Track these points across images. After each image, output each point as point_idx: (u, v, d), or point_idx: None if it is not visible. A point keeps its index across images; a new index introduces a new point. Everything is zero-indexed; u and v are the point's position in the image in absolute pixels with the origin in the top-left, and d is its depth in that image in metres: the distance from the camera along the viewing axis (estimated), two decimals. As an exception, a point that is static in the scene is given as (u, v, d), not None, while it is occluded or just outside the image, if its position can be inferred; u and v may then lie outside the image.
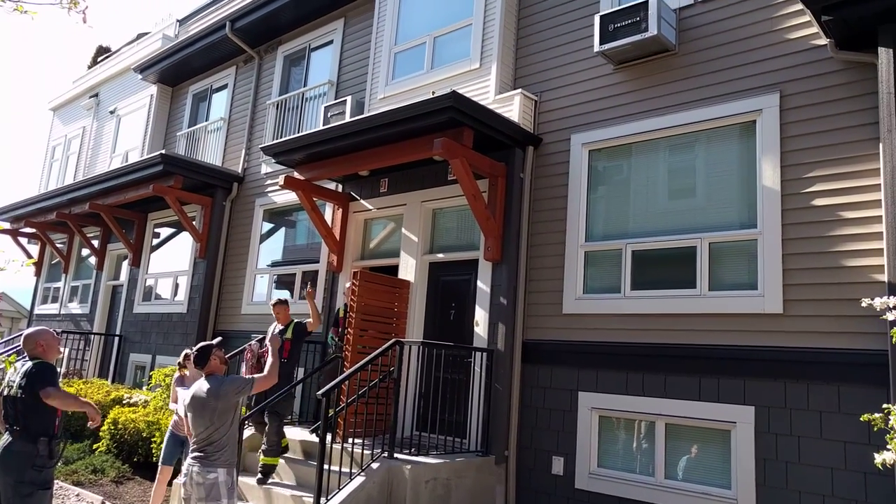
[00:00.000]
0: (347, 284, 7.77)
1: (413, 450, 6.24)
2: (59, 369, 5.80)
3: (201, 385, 4.59)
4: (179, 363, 6.71)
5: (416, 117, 6.87)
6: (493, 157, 7.37)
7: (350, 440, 6.31)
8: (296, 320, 7.24)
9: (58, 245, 15.47)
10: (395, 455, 5.99)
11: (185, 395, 6.00)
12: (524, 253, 7.30)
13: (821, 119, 5.68)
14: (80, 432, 9.14)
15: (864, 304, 3.42)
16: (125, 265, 13.47)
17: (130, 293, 12.79)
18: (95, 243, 14.27)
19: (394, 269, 8.40)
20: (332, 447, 5.97)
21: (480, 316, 7.28)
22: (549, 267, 7.16)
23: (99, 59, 19.63)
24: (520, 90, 7.59)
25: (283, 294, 10.42)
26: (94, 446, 8.61)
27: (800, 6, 5.66)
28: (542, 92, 7.72)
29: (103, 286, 13.98)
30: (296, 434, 7.22)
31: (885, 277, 4.95)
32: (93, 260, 14.47)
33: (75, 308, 14.78)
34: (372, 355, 6.23)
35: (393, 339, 6.36)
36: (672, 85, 6.66)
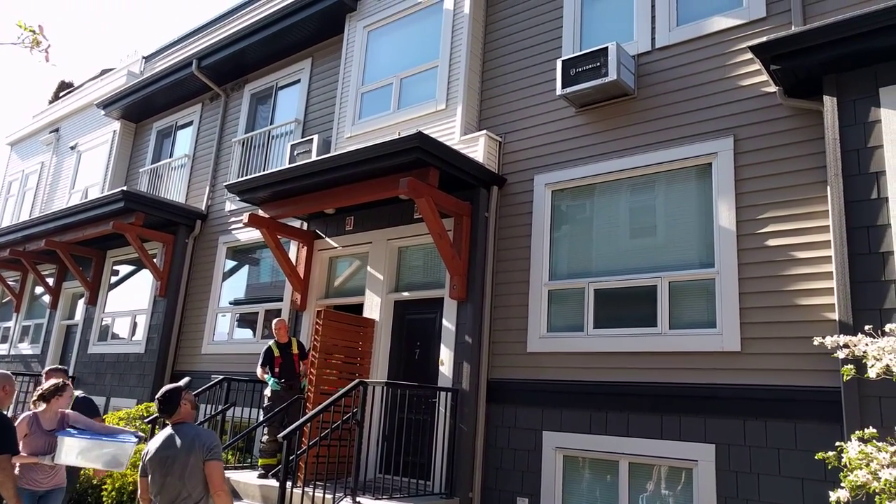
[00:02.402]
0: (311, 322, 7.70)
1: (376, 493, 6.10)
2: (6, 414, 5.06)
3: (168, 437, 3.90)
4: (43, 395, 5.28)
5: (383, 157, 6.92)
6: (459, 196, 7.44)
7: (311, 484, 6.14)
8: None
9: (10, 283, 14.96)
10: (358, 499, 5.85)
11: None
12: (489, 291, 7.33)
13: (772, 163, 5.90)
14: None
15: (815, 343, 3.51)
16: (81, 304, 13.09)
17: (85, 333, 12.39)
18: (50, 281, 13.86)
19: (359, 308, 8.33)
20: (292, 492, 5.80)
21: (446, 355, 7.24)
22: (513, 305, 7.20)
23: (61, 94, 19.38)
24: (484, 131, 7.73)
25: (245, 333, 10.22)
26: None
27: (750, 55, 5.92)
28: (506, 133, 7.87)
29: (57, 326, 13.53)
30: (250, 478, 7.00)
31: (836, 316, 5.10)
32: (47, 298, 14.02)
33: (26, 349, 14.23)
34: (335, 396, 6.13)
35: (357, 380, 6.28)
36: (632, 128, 6.86)
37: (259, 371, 7.65)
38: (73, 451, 5.07)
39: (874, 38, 4.95)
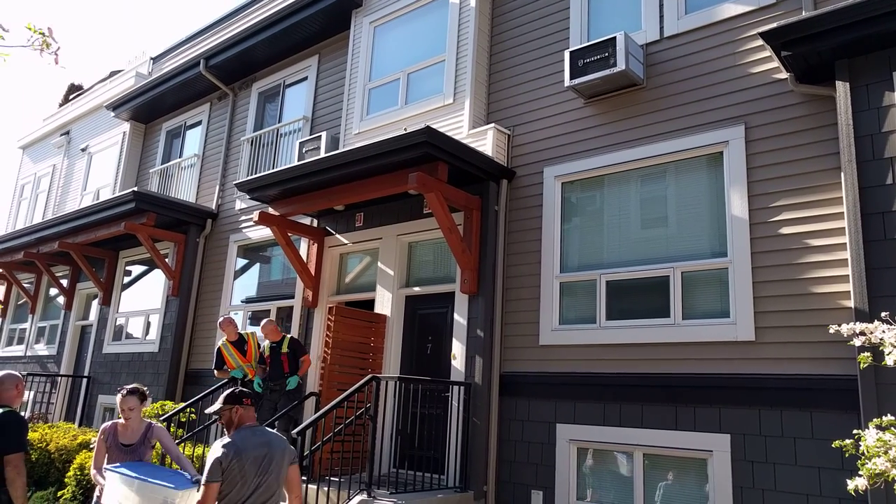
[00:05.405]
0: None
1: (391, 487, 6.12)
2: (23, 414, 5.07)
3: (258, 436, 3.81)
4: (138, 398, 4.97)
5: (392, 152, 6.92)
6: (468, 190, 7.43)
7: (326, 479, 6.16)
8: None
9: (25, 285, 15.11)
10: (373, 494, 5.87)
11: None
12: (500, 285, 7.31)
13: (784, 150, 5.84)
14: (43, 479, 8.80)
15: (831, 331, 3.47)
16: (95, 304, 13.19)
17: (100, 333, 12.49)
18: (64, 283, 13.98)
19: (370, 304, 8.34)
20: (307, 487, 5.83)
21: (458, 349, 7.24)
22: (525, 298, 7.18)
23: (71, 96, 19.51)
24: (493, 124, 7.71)
25: (258, 331, 10.24)
26: (59, 493, 8.29)
27: (761, 42, 5.86)
28: (514, 126, 7.84)
29: (72, 326, 13.65)
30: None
31: (851, 303, 5.05)
32: (61, 300, 14.16)
33: (42, 349, 14.38)
34: (348, 391, 6.15)
35: (370, 375, 6.29)
36: (641, 118, 6.81)
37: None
38: (114, 495, 4.37)
39: (887, 21, 4.88)
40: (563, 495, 6.38)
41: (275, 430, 3.99)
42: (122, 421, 4.90)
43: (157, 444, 5.02)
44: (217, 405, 3.91)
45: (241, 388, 4.05)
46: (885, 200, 4.88)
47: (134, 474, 4.32)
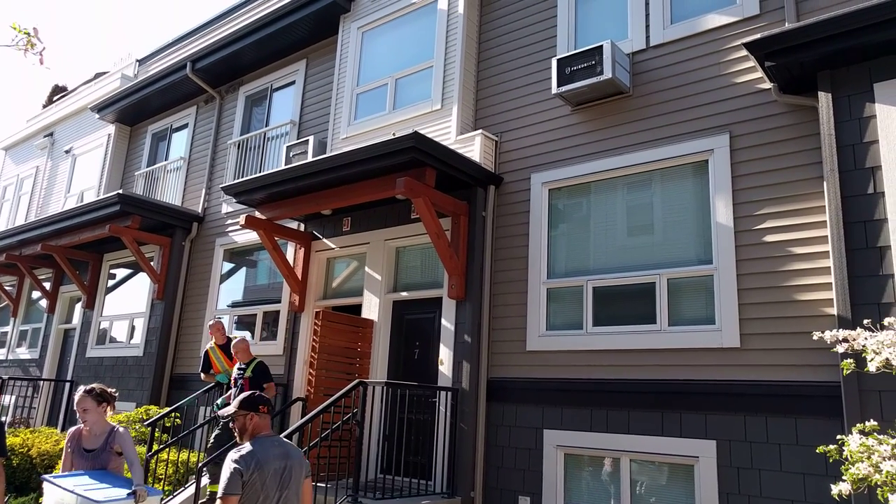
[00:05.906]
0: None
1: (378, 493, 6.10)
2: (3, 419, 4.92)
3: (277, 447, 3.63)
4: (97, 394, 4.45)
5: (379, 157, 6.92)
6: (456, 195, 7.45)
7: (313, 484, 6.13)
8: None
9: (6, 288, 14.91)
10: (360, 500, 5.85)
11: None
12: (487, 290, 7.33)
13: (768, 159, 5.92)
14: (25, 485, 8.68)
15: (815, 338, 3.52)
16: (78, 307, 13.04)
17: (83, 336, 12.35)
18: (47, 285, 13.81)
19: (357, 309, 8.33)
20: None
21: (445, 354, 7.24)
22: (512, 304, 7.20)
23: (55, 98, 19.32)
24: (480, 131, 7.74)
25: (244, 335, 10.19)
26: (40, 500, 8.17)
27: (745, 52, 5.94)
28: (502, 132, 7.87)
29: (54, 330, 13.48)
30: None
31: (834, 311, 5.12)
32: (44, 303, 13.98)
33: (24, 353, 14.18)
34: (335, 397, 6.12)
35: (356, 380, 6.27)
36: (628, 126, 6.87)
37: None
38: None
39: (868, 33, 4.97)
40: (550, 501, 6.40)
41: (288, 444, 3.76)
42: (83, 426, 4.50)
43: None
44: (232, 409, 3.71)
45: (260, 393, 3.85)
46: (867, 209, 4.96)
47: (63, 486, 4.08)
